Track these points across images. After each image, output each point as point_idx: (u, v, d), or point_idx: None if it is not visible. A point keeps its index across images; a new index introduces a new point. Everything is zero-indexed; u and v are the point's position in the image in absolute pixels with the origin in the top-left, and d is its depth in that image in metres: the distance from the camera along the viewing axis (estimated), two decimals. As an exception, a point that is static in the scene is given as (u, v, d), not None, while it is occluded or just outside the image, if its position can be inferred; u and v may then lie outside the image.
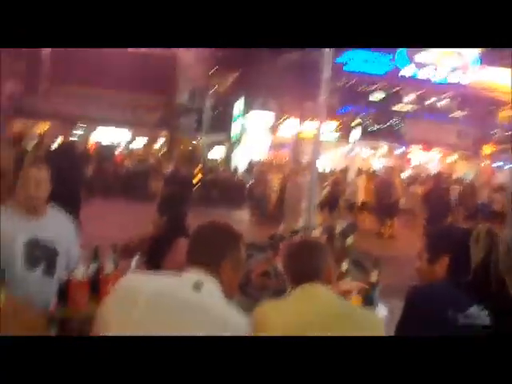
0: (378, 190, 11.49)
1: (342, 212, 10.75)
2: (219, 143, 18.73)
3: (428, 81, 19.92)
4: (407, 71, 19.42)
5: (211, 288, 1.48)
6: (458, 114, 22.31)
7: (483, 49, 17.33)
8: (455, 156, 22.94)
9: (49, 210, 2.54)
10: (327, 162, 17.81)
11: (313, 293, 1.67)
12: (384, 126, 21.83)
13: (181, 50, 15.48)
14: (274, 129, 20.00)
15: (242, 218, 11.69)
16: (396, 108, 21.81)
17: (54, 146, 11.86)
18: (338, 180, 12.22)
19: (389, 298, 2.69)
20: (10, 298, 1.83)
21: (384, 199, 10.95)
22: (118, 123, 16.93)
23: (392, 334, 1.68)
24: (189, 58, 16.31)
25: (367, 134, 21.10)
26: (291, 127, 19.35)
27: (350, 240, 3.53)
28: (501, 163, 19.84)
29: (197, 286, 1.45)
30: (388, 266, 4.29)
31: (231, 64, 16.61)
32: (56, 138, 14.45)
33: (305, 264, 1.73)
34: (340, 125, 20.39)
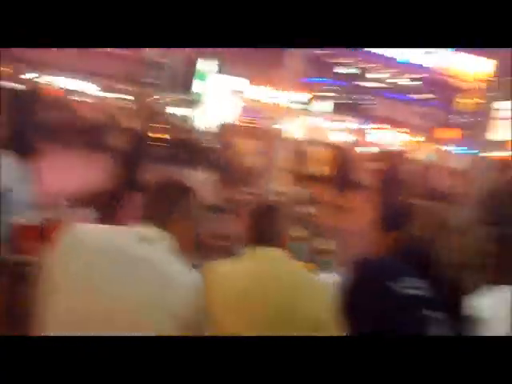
0: (338, 163, 11.67)
1: (302, 181, 10.87)
2: (185, 102, 18.41)
3: (399, 60, 20.08)
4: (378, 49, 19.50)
5: (161, 243, 1.47)
6: (422, 96, 22.72)
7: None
8: (415, 137, 23.48)
9: (1, 155, 2.46)
10: (292, 131, 17.84)
11: (270, 255, 1.66)
12: (349, 101, 21.99)
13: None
14: (241, 93, 19.80)
15: (201, 180, 11.63)
16: (363, 84, 21.96)
17: (10, 87, 11.31)
18: (301, 150, 12.31)
19: (342, 267, 2.77)
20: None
21: (344, 172, 11.15)
22: (82, 72, 16.31)
23: (342, 299, 1.70)
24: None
25: (334, 107, 21.23)
26: (258, 93, 19.21)
27: (307, 208, 3.59)
28: (456, 148, 20.48)
29: (146, 240, 1.44)
30: (344, 237, 4.40)
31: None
32: (14, 80, 13.78)
33: (265, 226, 1.71)
34: (308, 95, 20.40)
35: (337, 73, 21.64)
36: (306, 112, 20.68)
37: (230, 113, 19.58)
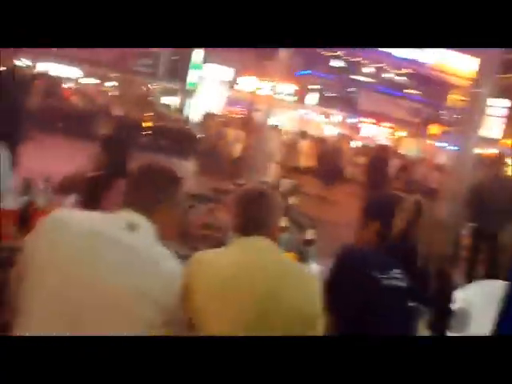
0: (326, 155, 11.73)
1: (289, 172, 10.90)
2: (173, 91, 18.27)
3: (389, 54, 20.12)
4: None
5: (145, 230, 1.46)
6: (412, 91, 22.82)
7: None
8: (403, 132, 23.62)
9: None
10: (281, 122, 17.86)
11: (258, 245, 1.58)
12: (340, 94, 22.01)
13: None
14: (230, 84, 19.71)
15: (189, 169, 11.59)
16: (354, 77, 21.98)
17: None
18: (289, 141, 12.33)
19: (323, 259, 2.78)
20: None
21: (330, 165, 11.21)
22: (70, 57, 16.08)
23: (325, 290, 1.67)
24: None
25: (323, 100, 21.25)
26: (248, 84, 19.14)
27: (291, 199, 3.60)
28: (445, 144, 20.65)
29: (130, 227, 1.43)
30: (327, 229, 4.42)
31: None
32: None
33: (254, 212, 1.62)
34: (297, 87, 20.38)
35: (328, 66, 21.62)
36: (296, 104, 20.67)
37: (220, 103, 19.50)
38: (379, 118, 22.80)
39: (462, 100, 18.16)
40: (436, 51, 19.77)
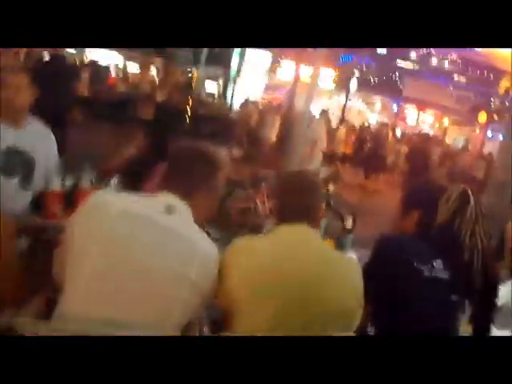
0: (367, 144, 11.52)
1: (328, 160, 10.79)
2: (215, 78, 18.32)
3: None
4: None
5: (183, 213, 1.48)
6: (459, 78, 22.04)
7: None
8: (449, 120, 22.88)
9: (30, 121, 2.50)
10: (321, 110, 17.65)
11: (301, 233, 1.54)
12: (383, 81, 21.50)
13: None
14: (271, 70, 19.58)
15: (229, 155, 11.64)
16: (398, 64, 21.41)
17: (45, 58, 11.47)
18: (330, 129, 12.17)
19: (361, 247, 2.74)
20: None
21: (371, 154, 11.01)
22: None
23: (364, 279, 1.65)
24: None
25: (366, 87, 20.81)
26: (288, 70, 18.96)
27: (331, 187, 3.56)
28: (494, 133, 19.88)
29: (168, 210, 1.45)
30: (366, 218, 4.35)
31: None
32: (48, 52, 13.95)
33: (296, 199, 1.58)
34: (339, 74, 20.03)
35: (371, 51, 21.12)
36: (337, 91, 20.35)
37: (261, 89, 19.44)
38: (424, 105, 22.16)
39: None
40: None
